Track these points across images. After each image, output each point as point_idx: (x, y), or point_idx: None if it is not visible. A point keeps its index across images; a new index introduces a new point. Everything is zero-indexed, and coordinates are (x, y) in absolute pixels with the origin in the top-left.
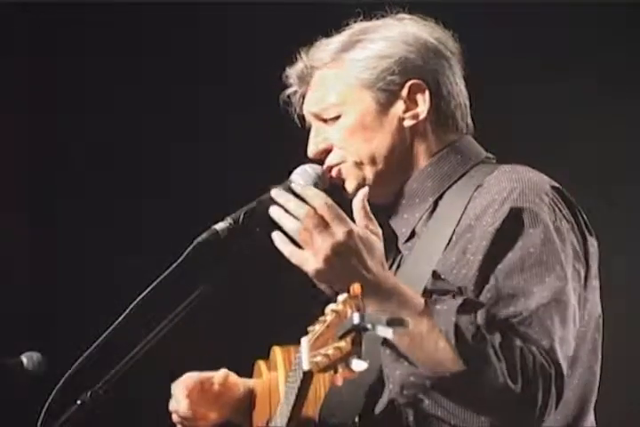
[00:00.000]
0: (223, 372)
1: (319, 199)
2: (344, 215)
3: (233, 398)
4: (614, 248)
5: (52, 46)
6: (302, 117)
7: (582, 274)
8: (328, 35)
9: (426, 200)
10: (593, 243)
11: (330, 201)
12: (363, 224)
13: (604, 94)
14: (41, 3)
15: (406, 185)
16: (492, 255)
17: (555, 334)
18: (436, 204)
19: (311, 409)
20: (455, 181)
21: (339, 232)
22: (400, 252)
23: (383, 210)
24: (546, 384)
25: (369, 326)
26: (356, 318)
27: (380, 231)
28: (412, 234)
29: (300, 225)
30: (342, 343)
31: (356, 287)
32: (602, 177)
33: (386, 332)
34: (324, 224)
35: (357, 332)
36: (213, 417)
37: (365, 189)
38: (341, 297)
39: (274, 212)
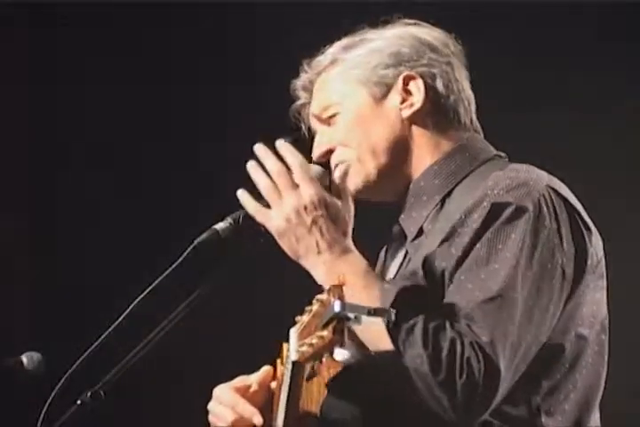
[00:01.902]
0: (263, 370)
1: (295, 159)
2: (315, 179)
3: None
4: (614, 248)
5: (51, 46)
6: (312, 129)
7: (566, 275)
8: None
9: (433, 198)
10: (596, 244)
11: (305, 162)
12: (336, 194)
13: (603, 97)
14: (41, 3)
15: (414, 183)
16: (467, 250)
17: (496, 331)
18: (443, 201)
19: (314, 405)
20: (463, 179)
21: (305, 194)
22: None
23: (395, 209)
24: (470, 378)
25: (351, 315)
26: (337, 306)
27: (351, 207)
28: (420, 232)
29: (271, 183)
30: (325, 332)
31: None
32: (603, 177)
33: (370, 322)
34: (293, 184)
35: (339, 320)
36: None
37: (347, 166)
38: (326, 287)
39: (250, 166)
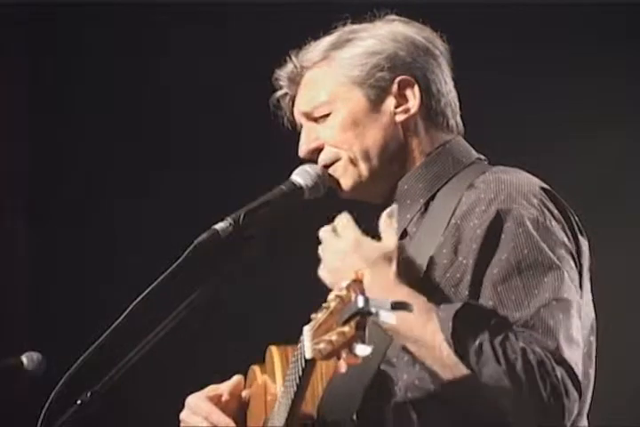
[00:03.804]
0: (233, 380)
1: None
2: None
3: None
4: (614, 248)
5: (51, 46)
6: (292, 120)
7: (577, 272)
8: (319, 36)
9: (417, 201)
10: (585, 244)
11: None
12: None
13: (603, 96)
14: (41, 3)
15: (398, 186)
16: (483, 259)
17: (559, 334)
18: (427, 205)
19: (310, 406)
20: (446, 182)
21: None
22: None
23: (376, 211)
24: (552, 386)
25: (373, 309)
26: (360, 302)
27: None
28: (404, 234)
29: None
30: (346, 328)
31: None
32: (602, 176)
33: (389, 317)
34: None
35: (362, 316)
36: None
37: (394, 207)
38: (345, 283)
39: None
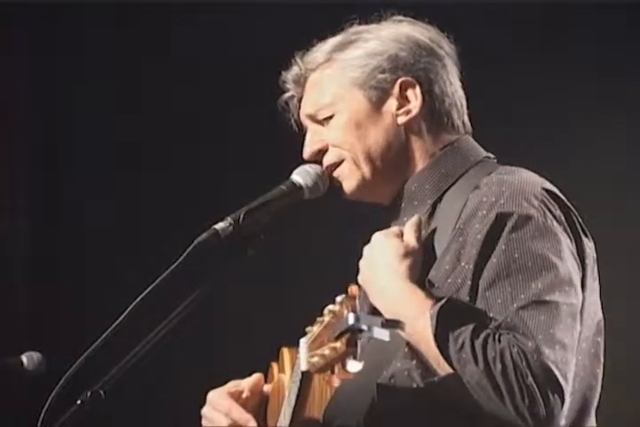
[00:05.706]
0: (254, 377)
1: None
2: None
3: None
4: (614, 251)
5: (51, 46)
6: (300, 122)
7: (579, 274)
8: (325, 37)
9: (425, 203)
10: (589, 245)
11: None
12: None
13: (603, 96)
14: (41, 3)
15: (405, 187)
16: (480, 264)
17: (539, 335)
18: (434, 206)
19: (316, 410)
20: (454, 183)
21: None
22: None
23: (384, 212)
24: (527, 388)
25: (364, 327)
26: (351, 319)
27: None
28: None
29: None
30: (338, 344)
31: (353, 288)
32: (602, 177)
33: (382, 334)
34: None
35: (352, 333)
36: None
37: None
38: (339, 298)
39: None
